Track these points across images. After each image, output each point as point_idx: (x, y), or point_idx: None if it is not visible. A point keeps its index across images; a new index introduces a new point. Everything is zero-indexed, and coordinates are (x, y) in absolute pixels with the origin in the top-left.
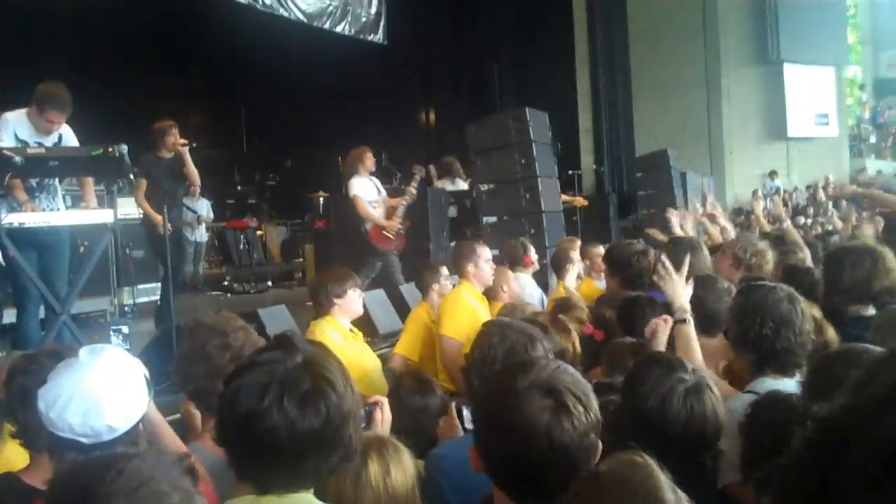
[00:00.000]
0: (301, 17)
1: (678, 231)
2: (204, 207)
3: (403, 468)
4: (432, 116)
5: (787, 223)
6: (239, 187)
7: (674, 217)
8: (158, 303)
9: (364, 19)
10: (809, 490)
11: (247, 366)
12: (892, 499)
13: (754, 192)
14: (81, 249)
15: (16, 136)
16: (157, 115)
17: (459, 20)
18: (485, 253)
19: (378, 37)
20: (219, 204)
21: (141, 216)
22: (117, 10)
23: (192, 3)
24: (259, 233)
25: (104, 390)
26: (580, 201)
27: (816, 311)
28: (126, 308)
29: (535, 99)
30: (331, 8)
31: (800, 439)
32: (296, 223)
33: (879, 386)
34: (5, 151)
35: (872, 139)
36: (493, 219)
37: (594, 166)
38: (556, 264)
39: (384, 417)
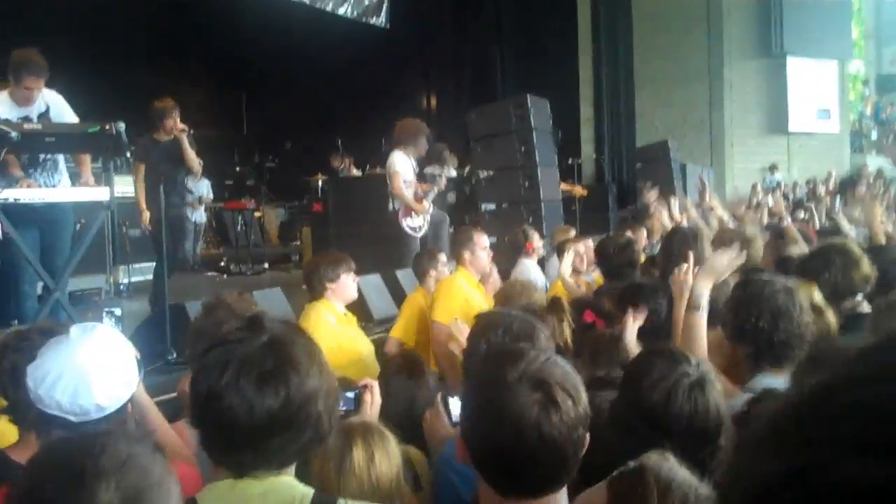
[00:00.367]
0: None
1: (677, 217)
2: (204, 187)
3: (388, 456)
4: (433, 102)
5: (788, 221)
6: (238, 168)
7: (674, 203)
8: (153, 282)
9: (367, 2)
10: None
11: (215, 345)
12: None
13: (753, 186)
14: (78, 227)
15: None
16: (158, 97)
17: (463, 6)
18: (482, 240)
19: (381, 20)
20: (217, 185)
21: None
22: None
23: None
24: (257, 214)
25: (94, 369)
26: (579, 190)
27: (817, 294)
28: (122, 286)
29: (537, 87)
30: None
31: (767, 419)
32: (294, 206)
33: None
34: (1, 127)
35: (874, 135)
36: (492, 206)
37: (594, 156)
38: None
39: (374, 400)
